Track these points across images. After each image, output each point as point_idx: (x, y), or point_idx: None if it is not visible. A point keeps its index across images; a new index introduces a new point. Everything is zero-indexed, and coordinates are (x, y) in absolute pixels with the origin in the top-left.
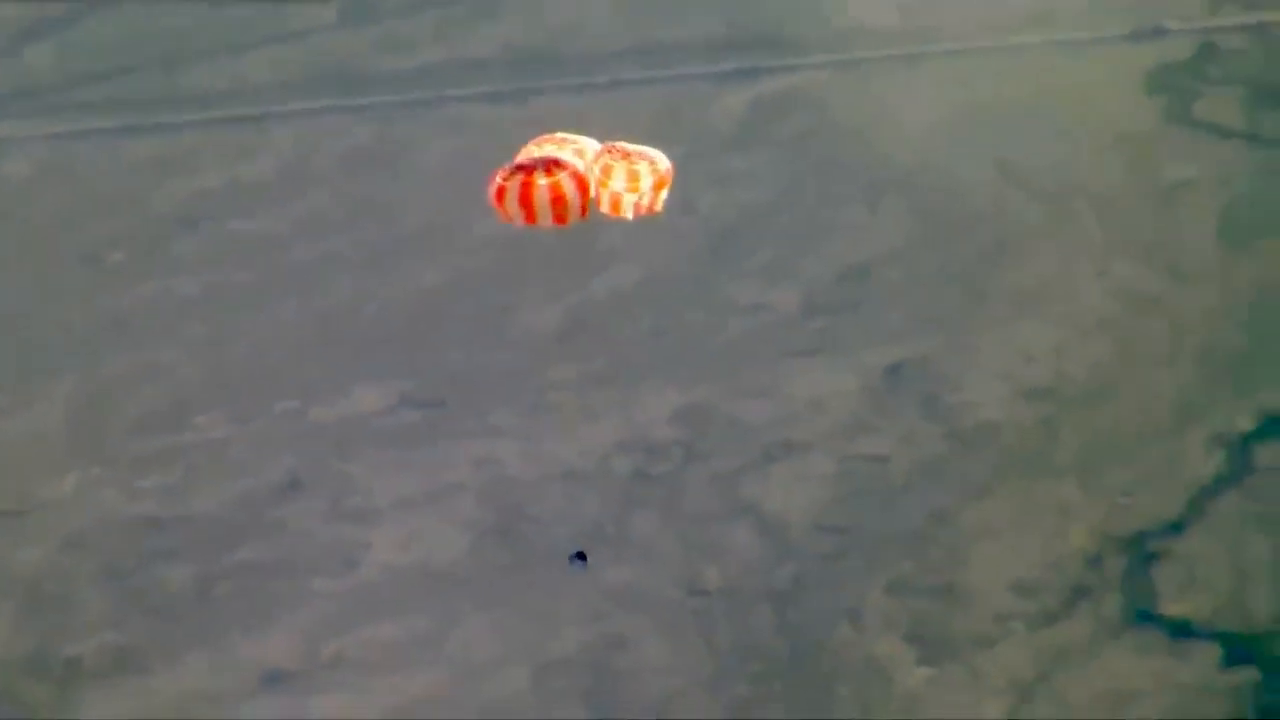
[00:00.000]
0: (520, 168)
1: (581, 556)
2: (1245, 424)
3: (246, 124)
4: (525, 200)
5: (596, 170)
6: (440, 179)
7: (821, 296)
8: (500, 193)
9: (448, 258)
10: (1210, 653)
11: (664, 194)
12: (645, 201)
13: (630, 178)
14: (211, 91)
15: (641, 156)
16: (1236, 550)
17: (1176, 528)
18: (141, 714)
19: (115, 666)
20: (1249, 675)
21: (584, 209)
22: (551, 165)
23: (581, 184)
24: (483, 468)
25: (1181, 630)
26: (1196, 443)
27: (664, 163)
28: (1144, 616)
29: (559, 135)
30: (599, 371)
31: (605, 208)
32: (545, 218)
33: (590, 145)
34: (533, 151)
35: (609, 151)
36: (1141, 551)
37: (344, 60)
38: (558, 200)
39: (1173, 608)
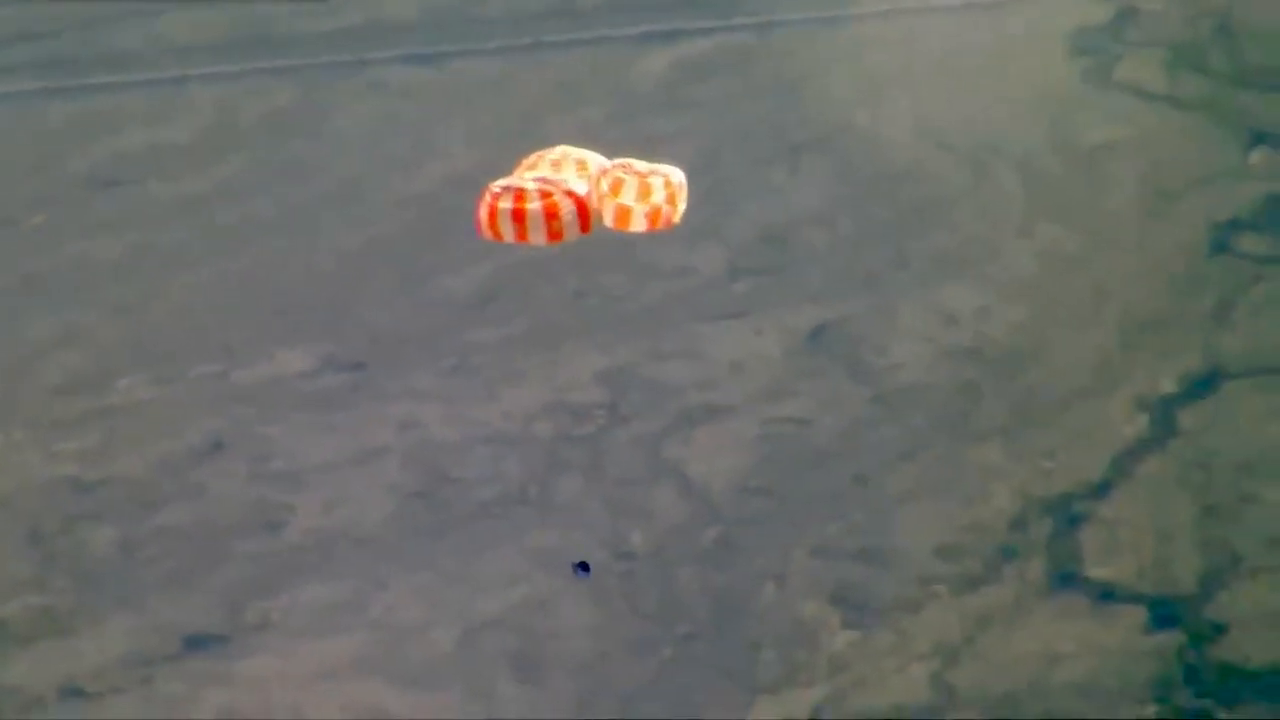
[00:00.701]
0: (510, 188)
1: (584, 567)
2: (1168, 387)
3: (166, 86)
4: (518, 219)
5: (605, 184)
6: (361, 141)
7: (744, 259)
8: (492, 214)
9: (368, 220)
10: (1135, 616)
11: (682, 206)
12: (663, 213)
13: (642, 191)
14: (131, 53)
15: (654, 172)
16: (1160, 513)
17: (1100, 491)
18: (65, 676)
19: (38, 629)
20: (1174, 638)
21: (584, 225)
22: (544, 185)
23: (578, 201)
24: (406, 430)
25: (1106, 593)
26: (1119, 405)
27: (677, 175)
28: (1068, 580)
29: (560, 150)
30: (521, 334)
31: (610, 221)
32: (539, 235)
33: (595, 159)
34: (534, 165)
35: (620, 167)
36: (1066, 515)
37: (264, 22)
38: (552, 218)
39: (1097, 571)
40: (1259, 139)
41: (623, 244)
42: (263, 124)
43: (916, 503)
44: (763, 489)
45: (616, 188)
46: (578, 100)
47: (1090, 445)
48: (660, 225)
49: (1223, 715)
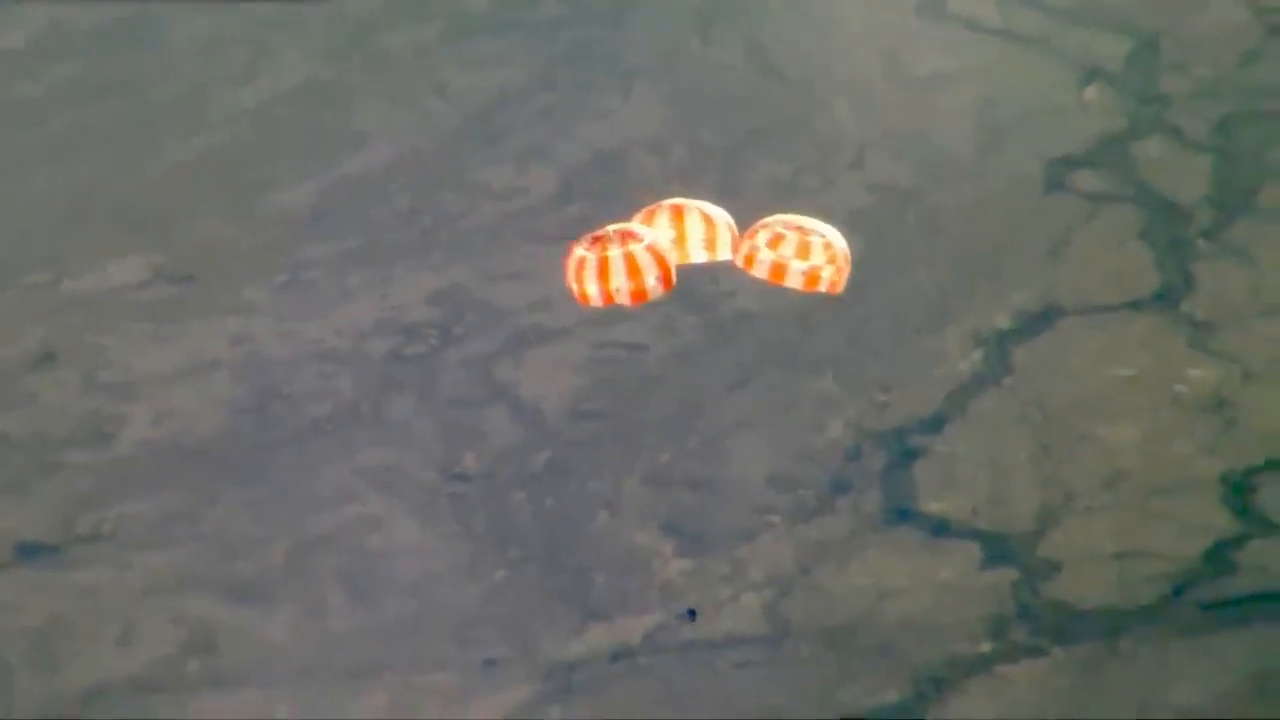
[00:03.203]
0: (597, 239)
1: (691, 614)
2: (1003, 322)
3: None
4: (602, 276)
5: (763, 239)
6: (193, 54)
7: (576, 181)
8: (580, 266)
9: (201, 132)
10: (969, 552)
11: (845, 273)
12: (823, 276)
13: (801, 249)
14: None
15: (814, 231)
16: (995, 450)
17: (935, 426)
18: None
19: None
20: (1008, 575)
21: (666, 281)
22: (626, 237)
23: (657, 256)
24: (238, 345)
25: (940, 529)
26: (954, 340)
27: (840, 242)
28: (903, 514)
29: (675, 202)
30: (353, 251)
31: (764, 274)
32: (623, 295)
33: (720, 215)
34: (653, 215)
35: (783, 224)
36: (901, 449)
37: None
38: (634, 273)
39: (932, 506)
40: (1093, 75)
41: (453, 163)
42: (96, 34)
43: (749, 432)
44: (595, 413)
45: (776, 242)
46: (411, 18)
47: (924, 379)
48: (820, 288)
49: (1057, 652)
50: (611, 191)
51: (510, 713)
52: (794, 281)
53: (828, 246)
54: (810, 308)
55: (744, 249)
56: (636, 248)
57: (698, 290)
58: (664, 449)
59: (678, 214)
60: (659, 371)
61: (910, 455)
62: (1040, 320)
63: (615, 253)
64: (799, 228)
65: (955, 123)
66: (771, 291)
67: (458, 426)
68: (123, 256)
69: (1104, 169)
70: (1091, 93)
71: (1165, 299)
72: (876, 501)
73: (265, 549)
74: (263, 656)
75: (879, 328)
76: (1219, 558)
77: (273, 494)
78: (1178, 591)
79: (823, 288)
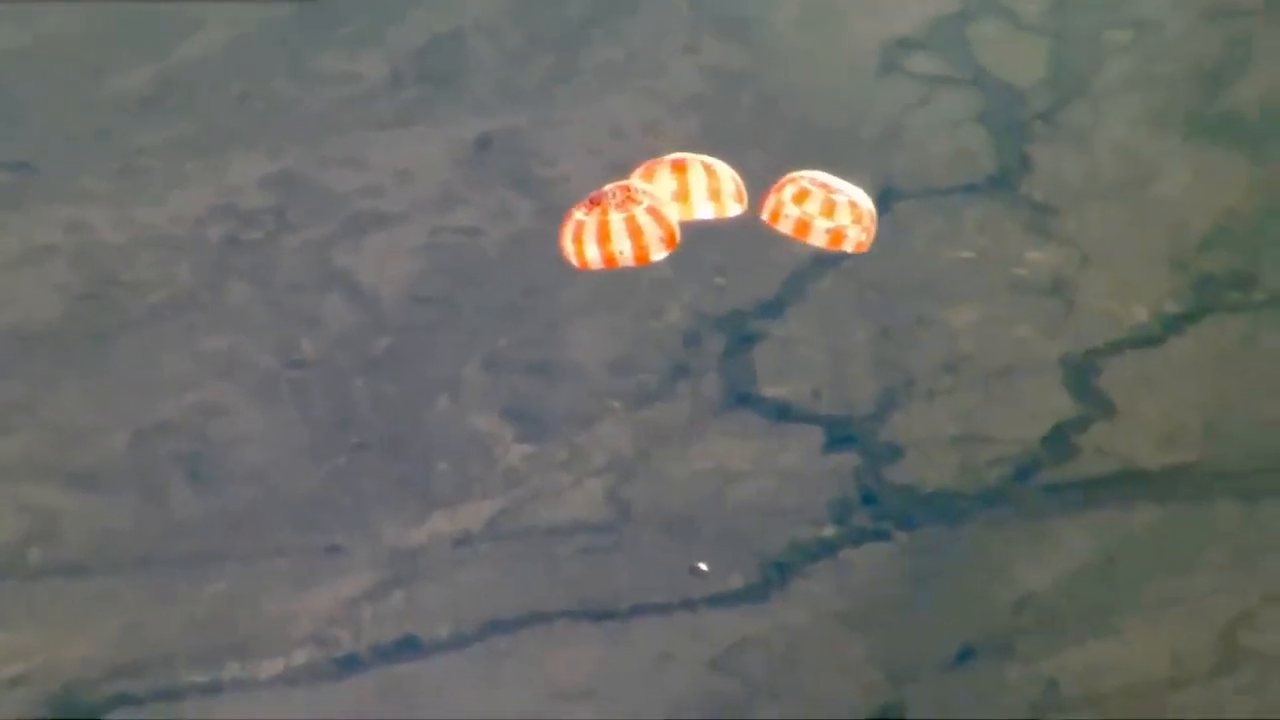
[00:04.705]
0: (595, 201)
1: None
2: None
3: None
4: (602, 239)
5: (788, 194)
6: None
7: (409, 67)
8: (579, 230)
9: (34, 20)
10: (811, 436)
11: (872, 232)
12: (849, 236)
13: (826, 207)
14: None
15: (840, 190)
16: (835, 333)
17: (774, 310)
18: None
19: None
20: (850, 459)
21: (670, 241)
22: (627, 199)
23: (658, 216)
24: (74, 231)
25: (782, 413)
26: None
27: (866, 202)
28: (743, 398)
29: (677, 157)
30: (188, 137)
31: (789, 230)
32: (625, 259)
33: (723, 168)
34: (652, 171)
35: (809, 179)
36: (740, 333)
37: None
38: (636, 235)
39: (772, 390)
40: None
41: (286, 49)
42: None
43: (588, 317)
44: (433, 298)
45: (802, 197)
46: None
47: (761, 262)
48: (844, 247)
49: (900, 536)
50: (445, 77)
51: (353, 598)
52: (818, 239)
53: (853, 206)
54: None
55: (770, 203)
56: (637, 210)
57: (532, 174)
58: (503, 334)
59: (679, 168)
60: (495, 256)
61: (749, 339)
62: (877, 203)
63: (615, 216)
64: (825, 185)
65: (789, 5)
66: (606, 174)
67: (296, 312)
68: None
69: (939, 51)
70: None
71: (1002, 182)
72: (716, 386)
73: (106, 436)
74: (105, 544)
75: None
76: (1060, 441)
77: (113, 381)
78: (1019, 475)
79: (848, 247)
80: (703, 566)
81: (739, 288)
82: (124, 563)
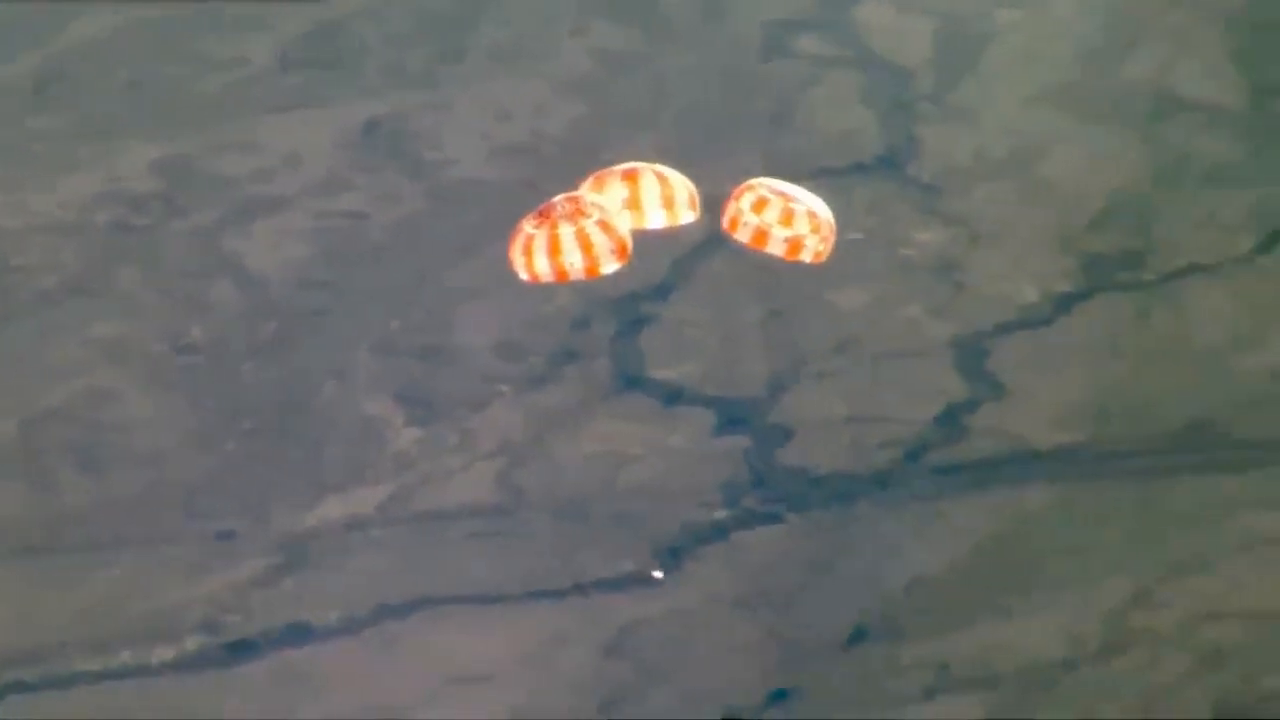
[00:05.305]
0: (543, 214)
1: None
2: (728, 187)
3: None
4: (553, 252)
5: (746, 203)
6: None
7: (295, 51)
8: (528, 243)
9: None
10: (702, 418)
11: (830, 243)
12: (807, 246)
13: (785, 216)
14: None
15: (798, 199)
16: (725, 316)
17: (663, 292)
18: None
19: None
20: (740, 441)
21: (621, 253)
22: (576, 212)
23: (608, 229)
24: None
25: (672, 395)
26: None
27: (824, 211)
28: (634, 381)
29: (628, 166)
30: (76, 123)
31: (746, 239)
32: (576, 271)
33: (676, 175)
34: (603, 181)
35: (768, 188)
36: (629, 316)
37: None
38: (587, 247)
39: (662, 373)
40: None
41: (173, 33)
42: None
43: (477, 300)
44: (321, 283)
45: (760, 206)
46: None
47: (650, 244)
48: (803, 258)
49: (793, 519)
50: (330, 61)
51: (245, 584)
52: (775, 249)
53: (812, 215)
54: (533, 174)
55: (729, 211)
56: (587, 223)
57: (419, 158)
58: (392, 318)
59: (631, 177)
60: (383, 240)
61: (639, 322)
62: None
63: (566, 230)
64: (783, 194)
65: None
66: (494, 158)
67: (185, 298)
68: None
69: (825, 32)
70: None
71: (890, 162)
72: (606, 369)
73: None
74: None
75: None
76: (951, 422)
77: (1, 366)
78: (911, 456)
79: (806, 257)
80: (657, 574)
81: (629, 271)
82: (13, 551)
